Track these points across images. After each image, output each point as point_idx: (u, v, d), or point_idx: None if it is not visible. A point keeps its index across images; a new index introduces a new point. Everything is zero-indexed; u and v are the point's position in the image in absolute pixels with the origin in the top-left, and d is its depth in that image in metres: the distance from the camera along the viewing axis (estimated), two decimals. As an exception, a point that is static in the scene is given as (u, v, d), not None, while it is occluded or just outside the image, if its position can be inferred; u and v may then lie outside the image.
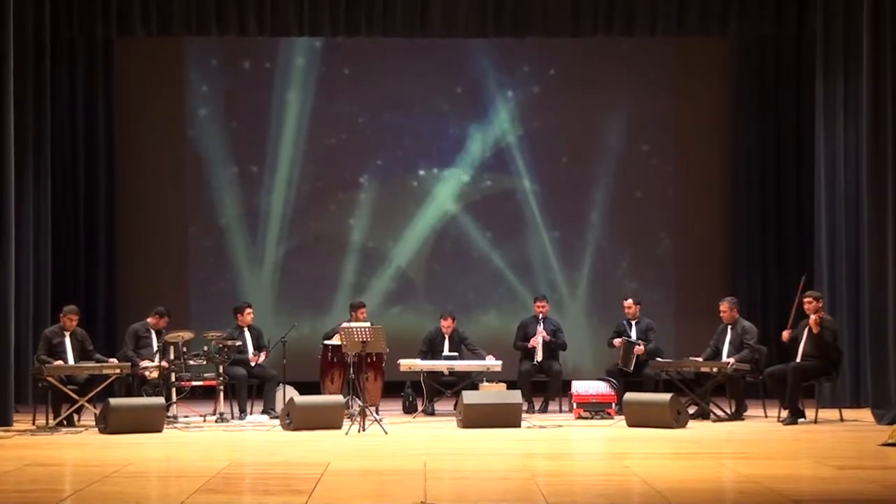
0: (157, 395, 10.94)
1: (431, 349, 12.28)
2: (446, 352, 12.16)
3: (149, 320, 11.74)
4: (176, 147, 14.16)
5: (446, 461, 8.81)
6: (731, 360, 11.24)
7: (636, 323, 12.25)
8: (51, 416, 10.92)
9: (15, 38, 11.25)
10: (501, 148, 14.31)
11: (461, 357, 12.09)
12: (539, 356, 12.17)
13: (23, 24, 11.81)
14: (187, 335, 11.31)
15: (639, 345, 11.87)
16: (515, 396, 11.02)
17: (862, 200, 11.54)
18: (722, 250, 14.26)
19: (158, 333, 11.60)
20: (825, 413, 11.23)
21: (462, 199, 14.31)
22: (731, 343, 11.48)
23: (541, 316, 12.35)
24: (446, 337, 12.30)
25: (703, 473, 8.09)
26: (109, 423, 10.26)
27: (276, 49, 14.13)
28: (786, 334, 11.18)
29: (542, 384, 12.30)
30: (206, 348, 11.28)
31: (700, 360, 11.46)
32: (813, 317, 10.97)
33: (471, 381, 11.78)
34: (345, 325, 11.59)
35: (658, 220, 14.31)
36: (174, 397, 11.15)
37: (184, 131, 14.18)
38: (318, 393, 11.79)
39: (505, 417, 10.61)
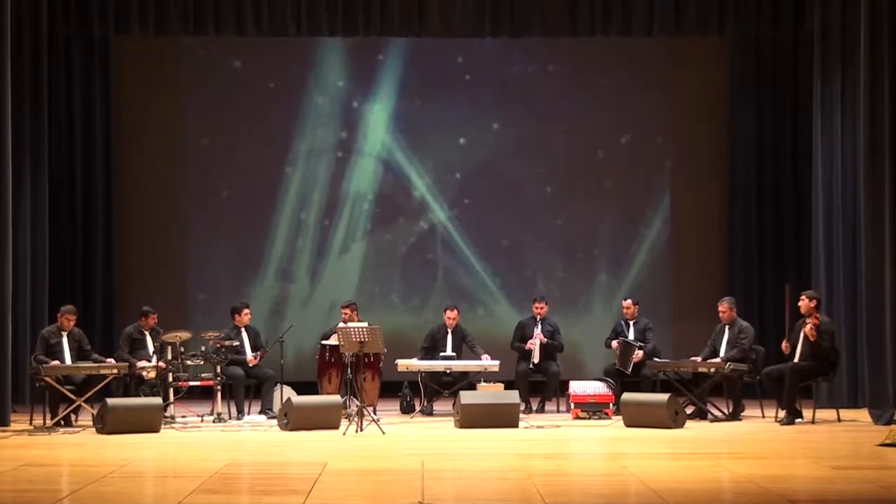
0: (154, 396, 10.94)
1: (433, 345, 12.28)
2: (448, 347, 12.18)
3: (140, 322, 11.77)
4: (173, 146, 14.13)
5: (444, 461, 8.82)
6: (718, 360, 11.26)
7: (634, 323, 12.26)
8: (48, 416, 10.93)
9: (12, 35, 11.23)
10: (496, 147, 14.30)
11: (460, 355, 12.10)
12: (536, 358, 12.17)
13: (19, 21, 11.81)
14: (185, 335, 11.32)
15: (639, 348, 11.84)
16: (513, 397, 11.02)
17: (859, 199, 11.55)
18: (719, 250, 14.25)
19: (153, 334, 11.60)
20: (822, 413, 11.25)
21: (458, 197, 14.30)
22: (728, 343, 11.48)
23: (539, 317, 12.36)
24: (449, 331, 12.30)
25: (701, 473, 8.09)
26: (107, 423, 10.26)
27: (275, 48, 14.10)
28: (785, 345, 11.15)
29: (540, 384, 12.30)
30: (203, 348, 11.28)
31: (698, 360, 11.47)
32: (809, 325, 10.95)
33: (468, 381, 11.78)
34: (342, 325, 11.59)
35: (655, 220, 14.29)
36: (172, 397, 11.15)
37: (181, 130, 14.16)
38: (316, 393, 11.79)
39: (503, 418, 10.61)
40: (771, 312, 13.57)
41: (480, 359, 11.92)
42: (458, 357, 12.11)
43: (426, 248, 14.30)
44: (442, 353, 12.13)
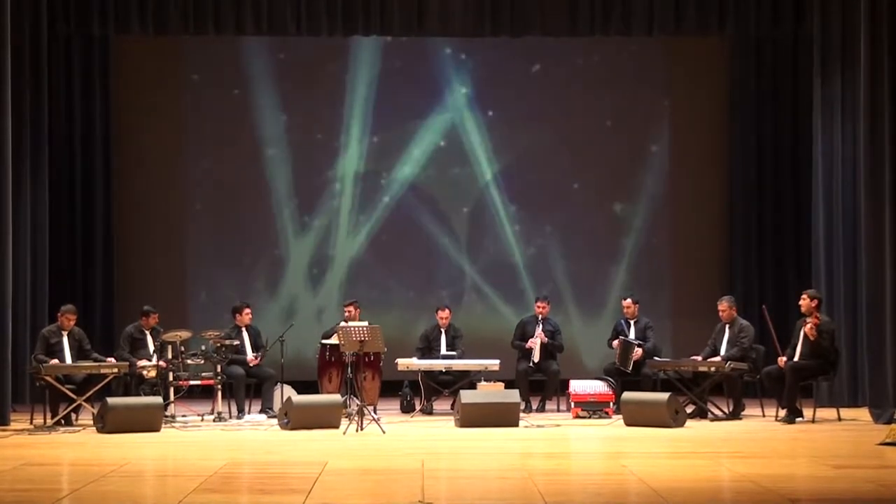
0: (154, 395, 10.94)
1: (428, 345, 12.30)
2: (443, 348, 12.19)
3: (140, 322, 11.77)
4: (173, 146, 14.13)
5: (444, 460, 8.83)
6: (718, 359, 11.26)
7: (634, 322, 12.26)
8: (48, 416, 10.93)
9: (12, 35, 11.23)
10: (493, 147, 14.29)
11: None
12: (536, 357, 12.18)
13: (20, 21, 11.81)
14: (185, 334, 11.33)
15: (638, 346, 11.84)
16: (513, 396, 11.02)
17: (859, 200, 11.55)
18: (720, 249, 14.25)
19: (154, 333, 11.60)
20: (823, 412, 11.25)
21: (459, 199, 14.31)
22: (728, 342, 11.49)
23: (540, 317, 12.36)
24: (442, 331, 12.31)
25: (701, 473, 8.09)
26: (107, 423, 10.26)
27: (275, 48, 14.11)
28: (781, 361, 11.14)
29: (540, 383, 12.31)
30: (203, 348, 11.29)
31: (698, 359, 11.47)
32: (809, 325, 10.95)
33: (469, 380, 11.79)
34: (343, 324, 11.59)
35: (656, 220, 14.29)
36: (172, 397, 11.15)
37: (181, 130, 14.15)
38: (316, 392, 11.80)
39: (503, 417, 10.61)
40: (771, 312, 13.54)
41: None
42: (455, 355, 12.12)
43: (427, 248, 14.29)
44: (442, 353, 12.14)
